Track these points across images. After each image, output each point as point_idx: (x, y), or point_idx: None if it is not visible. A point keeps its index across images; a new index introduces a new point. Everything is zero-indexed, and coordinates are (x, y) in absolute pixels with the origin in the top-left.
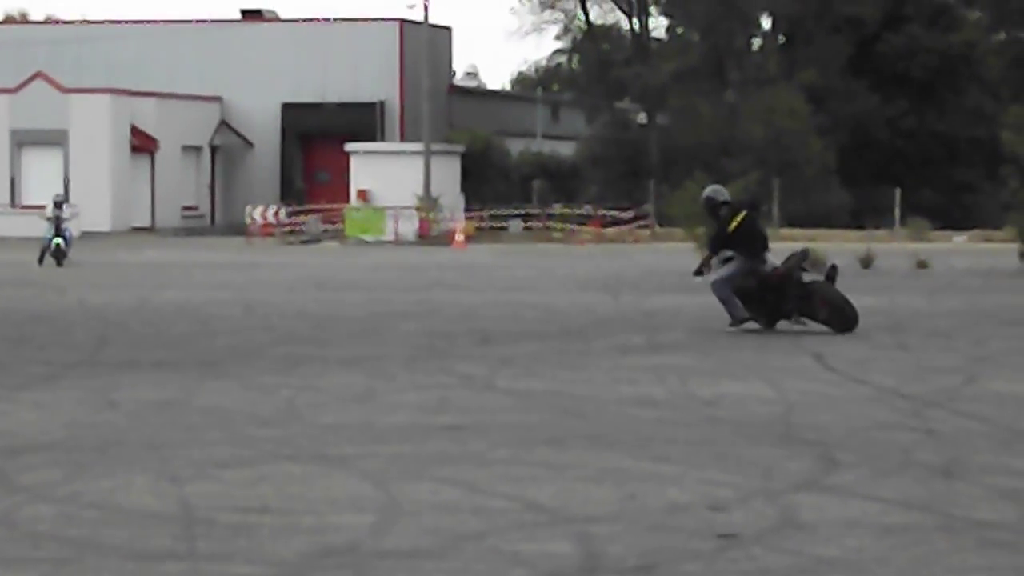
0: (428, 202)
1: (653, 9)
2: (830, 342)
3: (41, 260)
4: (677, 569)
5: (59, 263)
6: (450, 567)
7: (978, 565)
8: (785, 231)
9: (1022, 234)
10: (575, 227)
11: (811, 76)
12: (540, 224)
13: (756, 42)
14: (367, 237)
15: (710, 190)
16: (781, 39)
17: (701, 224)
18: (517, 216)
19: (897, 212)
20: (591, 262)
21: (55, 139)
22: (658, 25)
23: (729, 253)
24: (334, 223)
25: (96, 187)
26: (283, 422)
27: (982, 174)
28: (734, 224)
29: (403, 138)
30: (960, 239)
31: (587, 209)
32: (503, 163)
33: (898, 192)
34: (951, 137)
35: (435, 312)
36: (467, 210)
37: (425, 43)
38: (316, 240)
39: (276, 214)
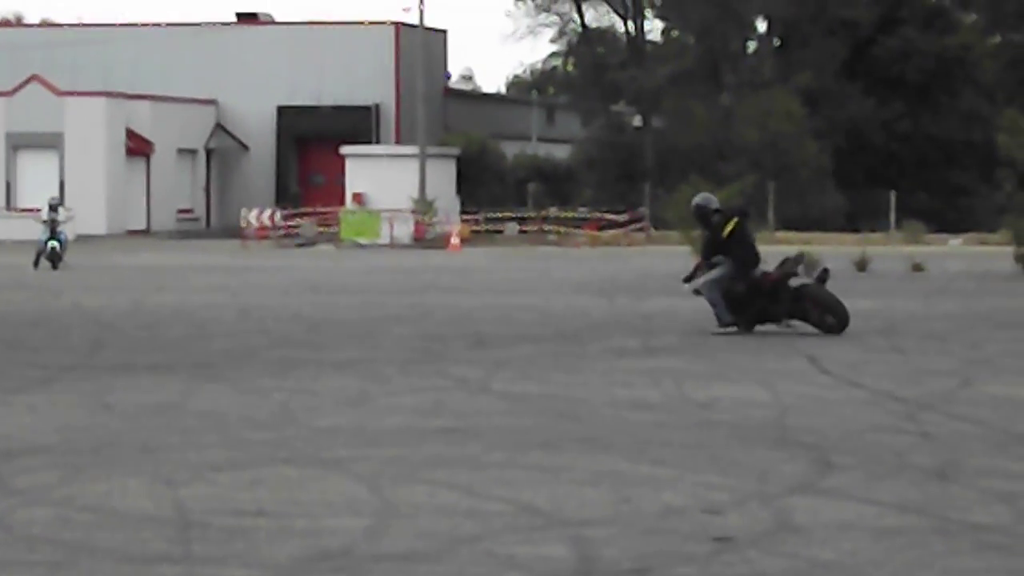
0: (423, 205)
1: (648, 12)
2: (825, 345)
3: (36, 263)
4: (672, 572)
5: (54, 266)
6: (445, 570)
7: (973, 568)
8: (781, 234)
9: (1017, 237)
10: (570, 230)
11: (806, 79)
12: (535, 227)
13: (751, 45)
14: (362, 240)
15: (700, 198)
16: (776, 42)
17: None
18: (512, 219)
19: (892, 215)
20: (586, 265)
21: (50, 142)
22: (653, 28)
23: (717, 258)
24: (329, 226)
25: (91, 190)
26: (278, 425)
27: (977, 177)
28: (727, 230)
29: (398, 141)
30: (955, 242)
31: (582, 212)
32: (498, 166)
33: (893, 195)
34: (946, 140)
35: (430, 315)
36: (462, 213)
37: (420, 46)
38: (311, 243)
39: (271, 217)
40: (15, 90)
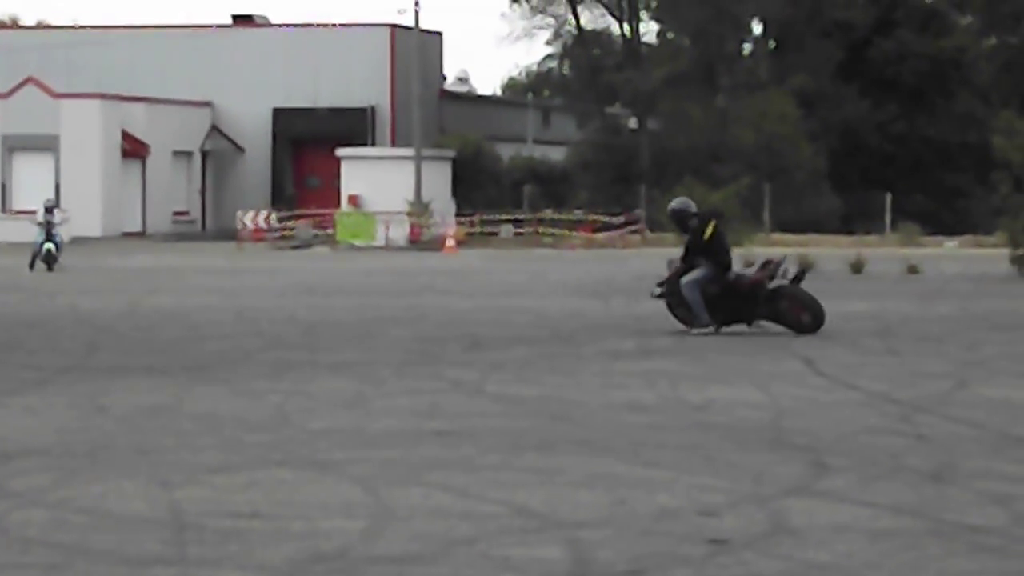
0: (419, 207)
1: (644, 14)
2: (820, 347)
3: (32, 265)
4: (667, 574)
5: (50, 268)
6: (440, 572)
7: (968, 570)
8: (776, 236)
9: (1013, 239)
10: (566, 232)
11: (802, 81)
12: (531, 229)
13: (747, 47)
14: (358, 242)
15: (679, 202)
16: (772, 44)
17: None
18: (508, 221)
19: (888, 217)
20: (582, 267)
21: (46, 144)
22: (649, 30)
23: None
24: (325, 228)
25: (87, 192)
26: (273, 427)
27: (973, 179)
28: (708, 233)
29: (394, 143)
30: (951, 244)
31: (578, 214)
32: (494, 168)
33: (889, 197)
34: (942, 142)
35: (425, 317)
36: (458, 215)
37: (416, 48)
38: (307, 245)
39: (267, 219)
40: (11, 92)
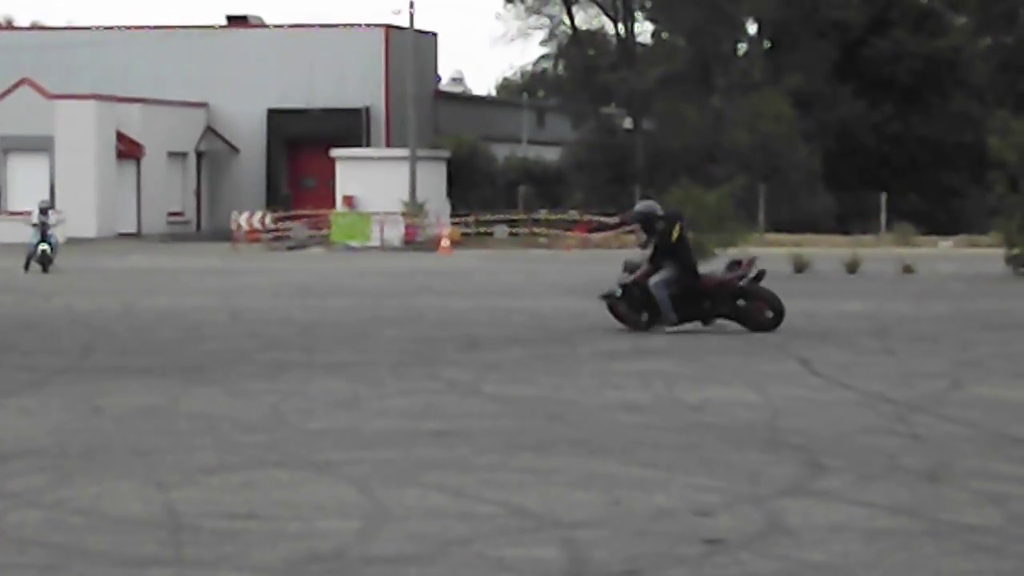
0: (414, 208)
1: (639, 14)
2: (816, 347)
3: (27, 266)
4: (663, 574)
5: (45, 269)
6: (436, 573)
7: (964, 569)
8: (771, 236)
9: (1008, 239)
10: (561, 233)
11: (797, 81)
12: (526, 230)
13: (742, 47)
14: (353, 243)
15: (646, 205)
16: (767, 44)
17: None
18: (503, 222)
19: (883, 217)
20: (577, 268)
21: (41, 145)
22: (644, 30)
23: (635, 259)
24: (320, 229)
25: (82, 193)
26: (269, 428)
27: (968, 179)
28: (676, 235)
29: (389, 144)
30: (946, 244)
31: (573, 214)
32: (489, 169)
33: (884, 197)
34: (937, 142)
35: (421, 318)
36: (453, 216)
37: (411, 49)
38: (302, 246)
39: (262, 220)
40: (5, 93)
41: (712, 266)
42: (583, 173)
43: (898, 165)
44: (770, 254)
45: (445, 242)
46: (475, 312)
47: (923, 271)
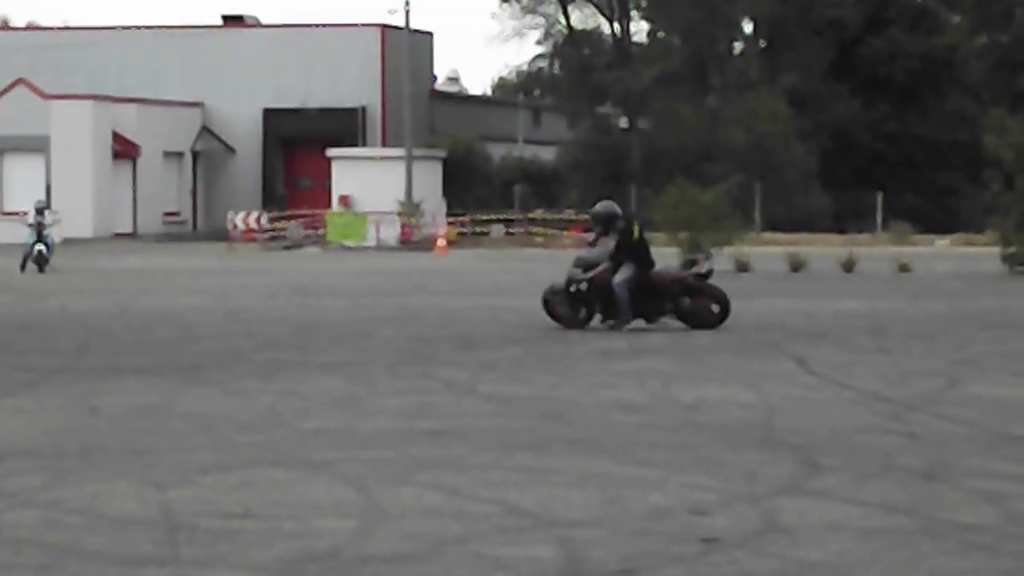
0: (410, 207)
1: (634, 13)
2: (812, 346)
3: (23, 266)
4: (659, 573)
5: (41, 269)
6: (432, 572)
7: (961, 568)
8: (767, 235)
9: (1004, 237)
10: (557, 232)
11: (793, 80)
12: (522, 229)
13: (737, 46)
14: (349, 243)
15: (606, 206)
16: (762, 43)
17: (683, 229)
18: (499, 221)
19: (879, 216)
20: None
21: (37, 145)
22: (639, 29)
23: (589, 257)
24: (316, 229)
25: (78, 193)
26: (265, 427)
27: (964, 178)
28: (637, 233)
29: (385, 143)
30: (942, 243)
31: (568, 214)
32: (485, 168)
33: (880, 196)
34: (933, 141)
35: (417, 317)
36: (449, 215)
37: (406, 48)
38: (298, 246)
39: (258, 220)
40: (1, 93)
41: (666, 263)
42: (579, 172)
43: (894, 164)
44: (766, 253)
45: (441, 242)
46: (471, 311)
47: (919, 270)
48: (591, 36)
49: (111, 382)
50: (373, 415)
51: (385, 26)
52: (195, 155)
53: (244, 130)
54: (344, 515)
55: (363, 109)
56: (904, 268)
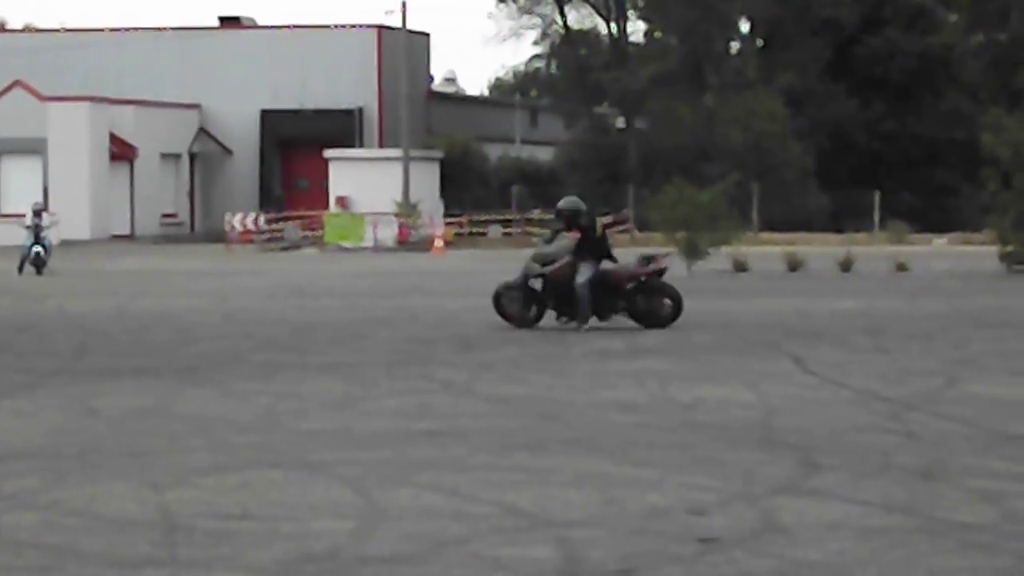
0: (407, 208)
1: (631, 13)
2: (810, 345)
3: (21, 268)
4: (658, 573)
5: (38, 271)
6: (431, 572)
7: (959, 567)
8: (764, 235)
9: (1001, 236)
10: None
11: (789, 79)
12: (519, 229)
13: (734, 46)
14: (346, 244)
15: (571, 202)
16: (759, 43)
17: (681, 228)
18: (496, 222)
19: (876, 215)
20: None
21: (34, 147)
22: (636, 29)
23: (548, 252)
24: (313, 230)
25: (75, 195)
26: (263, 429)
27: (961, 176)
28: (600, 230)
29: (382, 144)
30: (940, 242)
31: None
32: (482, 169)
33: (877, 195)
34: (930, 140)
35: (414, 318)
36: (446, 216)
37: (403, 49)
38: (295, 247)
39: (255, 221)
40: None
41: (623, 261)
42: (576, 173)
43: (891, 163)
44: (764, 253)
45: (438, 242)
46: (469, 312)
47: (917, 269)
48: (588, 36)
49: (109, 384)
50: (371, 416)
51: (382, 27)
52: (192, 156)
53: (241, 131)
54: (342, 516)
55: (360, 110)
56: (902, 267)
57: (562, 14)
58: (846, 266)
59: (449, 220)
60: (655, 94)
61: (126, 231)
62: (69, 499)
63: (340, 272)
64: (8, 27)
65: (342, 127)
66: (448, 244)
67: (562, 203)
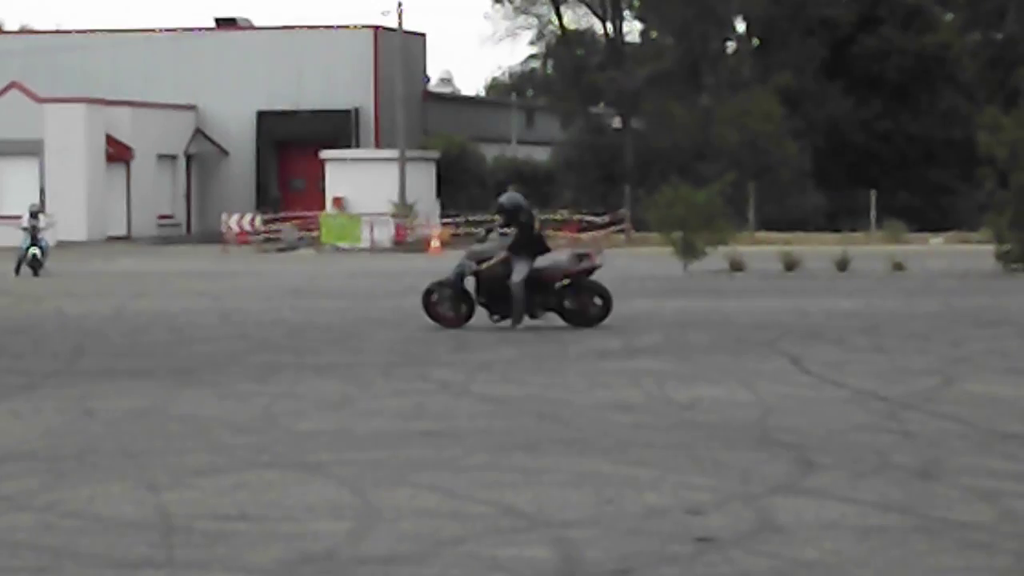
0: (403, 209)
1: (627, 13)
2: (807, 345)
3: (17, 270)
4: (655, 573)
5: (35, 273)
6: (428, 573)
7: (956, 566)
8: (761, 235)
9: (998, 235)
10: (550, 233)
11: (786, 79)
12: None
13: (730, 45)
14: (343, 244)
15: (512, 196)
16: (755, 42)
17: (677, 228)
18: (493, 222)
19: (873, 214)
20: None
21: (30, 149)
22: (632, 29)
23: (482, 249)
24: (310, 230)
25: (72, 196)
26: (260, 429)
27: (958, 175)
28: (537, 226)
29: (378, 145)
30: (936, 241)
31: (563, 214)
32: (478, 169)
33: (874, 194)
34: (926, 139)
35: (411, 318)
36: (442, 216)
37: (399, 50)
38: (292, 248)
39: (252, 222)
40: None
41: (554, 258)
42: (572, 173)
43: (888, 162)
44: (760, 252)
45: (435, 243)
46: None
47: (913, 268)
48: (584, 36)
49: (106, 385)
50: (368, 416)
51: (378, 27)
52: (189, 158)
53: (237, 132)
54: (339, 516)
55: (356, 111)
56: (898, 267)
57: (558, 14)
58: (843, 265)
59: (445, 220)
60: (651, 94)
61: (123, 232)
62: (66, 500)
63: (337, 273)
64: (4, 29)
65: (338, 128)
66: (444, 244)
67: (502, 199)
